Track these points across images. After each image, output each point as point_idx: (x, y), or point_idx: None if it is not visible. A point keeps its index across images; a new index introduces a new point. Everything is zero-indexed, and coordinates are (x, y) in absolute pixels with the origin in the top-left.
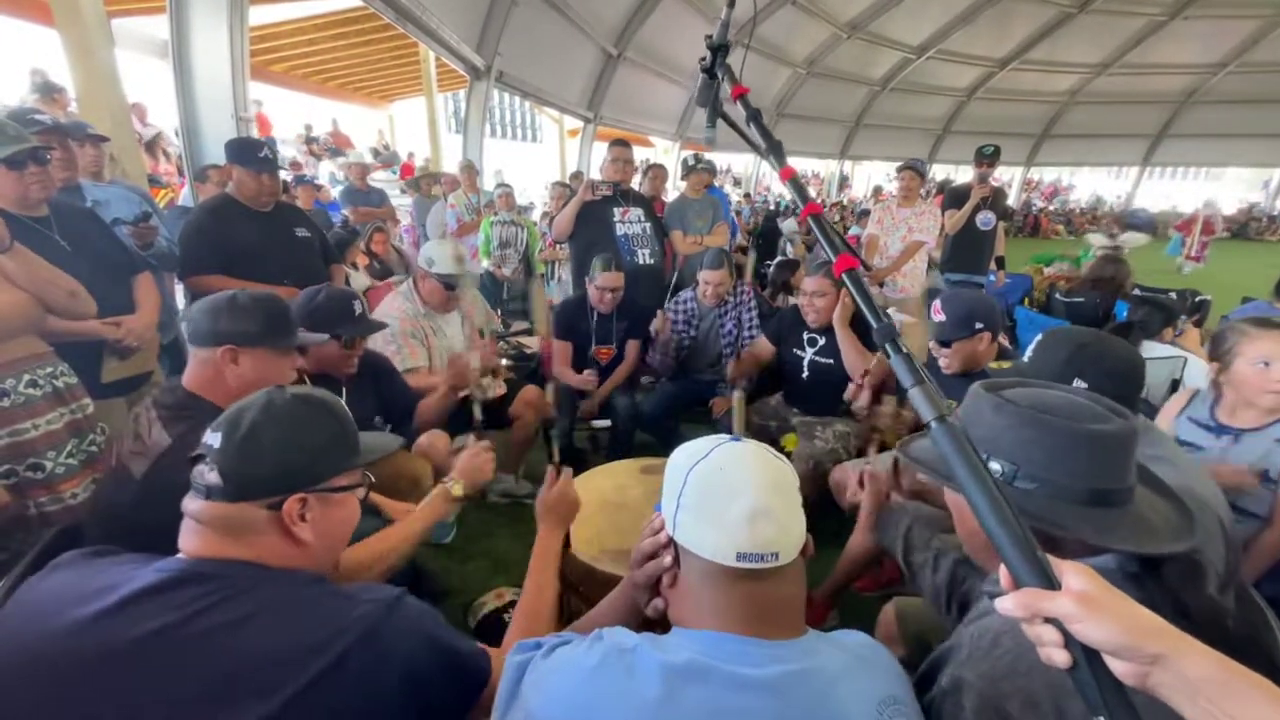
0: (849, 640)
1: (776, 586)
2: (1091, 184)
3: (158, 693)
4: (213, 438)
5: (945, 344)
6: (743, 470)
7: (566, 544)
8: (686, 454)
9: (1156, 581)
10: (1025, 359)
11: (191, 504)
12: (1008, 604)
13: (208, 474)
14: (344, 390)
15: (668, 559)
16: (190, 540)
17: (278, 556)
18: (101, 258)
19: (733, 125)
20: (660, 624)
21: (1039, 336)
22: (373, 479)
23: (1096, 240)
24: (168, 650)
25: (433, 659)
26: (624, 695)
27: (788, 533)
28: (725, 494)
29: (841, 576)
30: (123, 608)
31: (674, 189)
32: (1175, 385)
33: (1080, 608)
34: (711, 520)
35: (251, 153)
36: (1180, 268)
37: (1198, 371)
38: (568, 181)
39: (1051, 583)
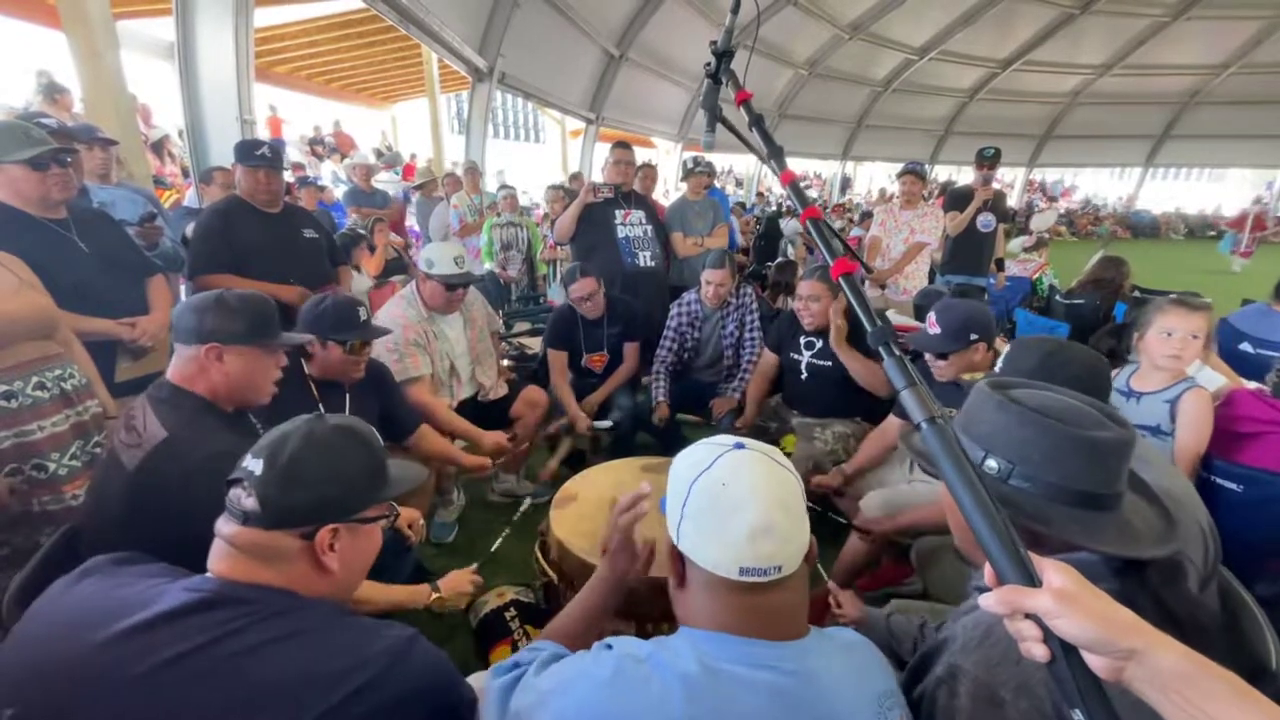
0: (842, 637)
1: (779, 595)
2: (1093, 185)
3: (182, 714)
4: (254, 464)
5: (942, 356)
6: (745, 485)
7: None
8: (689, 463)
9: (1138, 579)
10: (998, 367)
11: (226, 527)
12: (990, 600)
13: (245, 499)
14: (347, 398)
15: (645, 506)
16: (221, 562)
17: (305, 584)
18: (117, 259)
19: (733, 130)
20: (652, 617)
21: (1008, 347)
22: (397, 510)
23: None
24: (195, 672)
25: (439, 703)
26: (648, 708)
27: (790, 544)
28: (727, 510)
29: (840, 579)
30: (153, 627)
31: (675, 190)
32: None
33: (1059, 604)
34: (714, 535)
35: (249, 150)
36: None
37: (1194, 372)
38: (567, 184)
39: (1033, 580)
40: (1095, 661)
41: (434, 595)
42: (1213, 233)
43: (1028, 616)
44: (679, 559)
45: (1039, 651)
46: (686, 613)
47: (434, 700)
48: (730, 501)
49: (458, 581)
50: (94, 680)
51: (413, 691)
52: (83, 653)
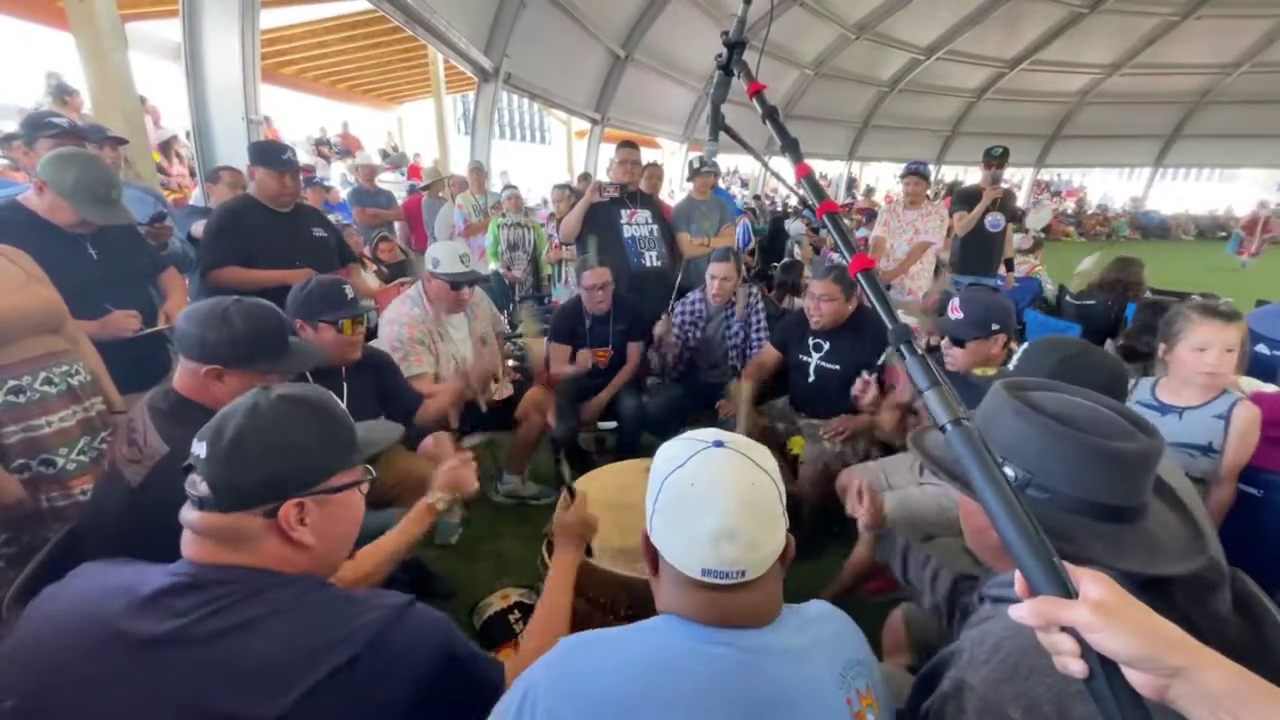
0: (811, 610)
1: (744, 596)
2: (1102, 186)
3: (165, 696)
4: (198, 447)
5: (960, 343)
6: (713, 487)
7: (588, 551)
8: (666, 457)
9: (1162, 596)
10: (1011, 366)
11: (188, 514)
12: (1023, 612)
13: (198, 484)
14: (344, 387)
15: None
16: (192, 548)
17: (281, 561)
18: (126, 262)
19: (735, 137)
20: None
21: (1025, 345)
22: (374, 473)
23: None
24: (174, 655)
25: (441, 668)
26: (615, 669)
27: (756, 550)
28: (693, 511)
29: (847, 582)
30: (130, 614)
31: (680, 191)
32: None
33: (1098, 617)
34: (679, 534)
35: (275, 154)
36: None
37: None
38: (575, 184)
39: (1068, 590)
40: (1137, 678)
41: (437, 507)
42: (1223, 234)
43: (1063, 630)
44: (652, 549)
45: (1076, 667)
46: (660, 600)
47: (433, 666)
48: (696, 502)
49: (453, 477)
50: (80, 672)
51: (408, 658)
52: (70, 645)
